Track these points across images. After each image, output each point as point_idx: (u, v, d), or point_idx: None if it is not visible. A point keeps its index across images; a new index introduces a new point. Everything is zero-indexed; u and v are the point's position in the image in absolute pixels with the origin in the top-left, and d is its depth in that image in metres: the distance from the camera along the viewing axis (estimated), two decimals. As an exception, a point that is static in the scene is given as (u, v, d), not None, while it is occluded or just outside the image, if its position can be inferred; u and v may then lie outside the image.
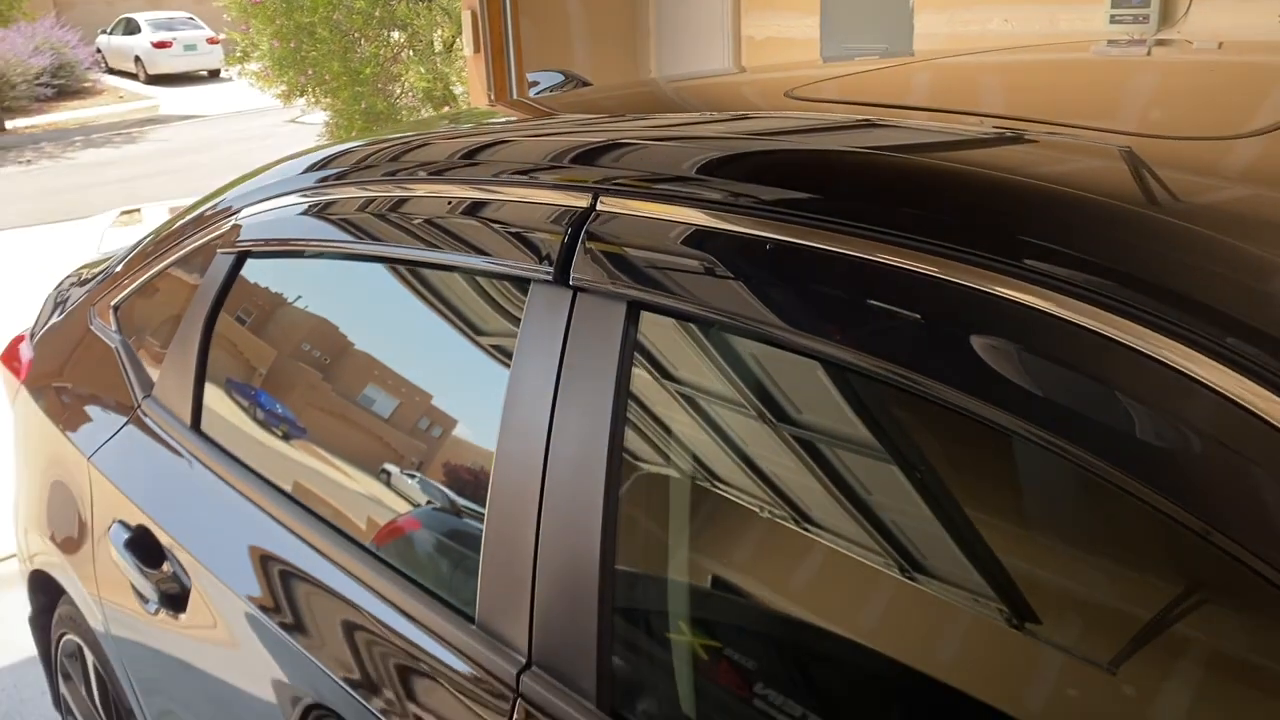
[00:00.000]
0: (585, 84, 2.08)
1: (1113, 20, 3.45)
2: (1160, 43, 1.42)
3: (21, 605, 3.29)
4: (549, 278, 1.04)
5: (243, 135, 14.07)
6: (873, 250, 0.82)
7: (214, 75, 20.30)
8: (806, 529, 0.89)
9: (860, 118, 1.20)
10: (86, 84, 18.68)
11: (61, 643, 2.12)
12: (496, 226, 1.13)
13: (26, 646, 3.08)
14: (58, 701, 2.30)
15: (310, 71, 7.99)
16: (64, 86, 17.94)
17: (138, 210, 9.98)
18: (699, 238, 0.94)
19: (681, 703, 0.96)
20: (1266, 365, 0.64)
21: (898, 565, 0.83)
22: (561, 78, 2.17)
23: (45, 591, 2.14)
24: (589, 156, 1.13)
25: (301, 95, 8.37)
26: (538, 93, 2.20)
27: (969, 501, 0.80)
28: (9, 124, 15.68)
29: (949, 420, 0.77)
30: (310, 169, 1.53)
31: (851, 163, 0.98)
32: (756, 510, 0.93)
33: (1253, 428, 0.63)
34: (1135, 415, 0.67)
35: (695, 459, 0.98)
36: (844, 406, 0.87)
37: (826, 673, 0.91)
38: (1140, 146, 0.96)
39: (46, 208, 10.53)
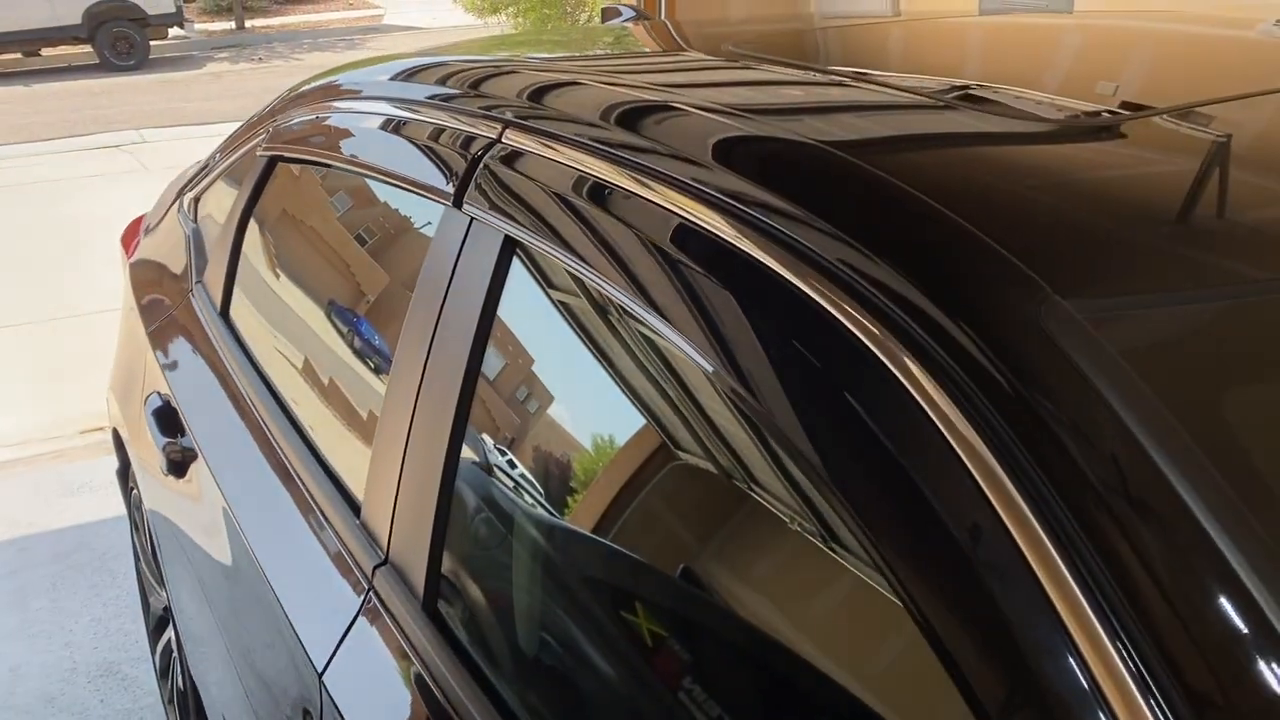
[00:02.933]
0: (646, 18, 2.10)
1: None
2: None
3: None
4: (450, 203, 1.09)
5: (454, 49, 14.52)
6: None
7: (438, -13, 20.97)
8: (622, 449, 0.92)
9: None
10: (320, -11, 19.66)
11: (133, 494, 2.36)
12: (421, 146, 1.19)
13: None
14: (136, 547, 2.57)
15: (509, -8, 8.22)
16: (300, -10, 18.95)
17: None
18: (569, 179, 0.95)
19: (493, 614, 1.02)
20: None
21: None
22: (633, 14, 2.19)
23: (122, 449, 2.38)
24: (501, 89, 1.17)
25: (495, 14, 8.62)
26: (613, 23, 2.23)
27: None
28: (249, 23, 16.74)
29: None
30: (324, 87, 1.64)
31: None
32: (588, 439, 0.97)
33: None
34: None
35: (547, 391, 1.02)
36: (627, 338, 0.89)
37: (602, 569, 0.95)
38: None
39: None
